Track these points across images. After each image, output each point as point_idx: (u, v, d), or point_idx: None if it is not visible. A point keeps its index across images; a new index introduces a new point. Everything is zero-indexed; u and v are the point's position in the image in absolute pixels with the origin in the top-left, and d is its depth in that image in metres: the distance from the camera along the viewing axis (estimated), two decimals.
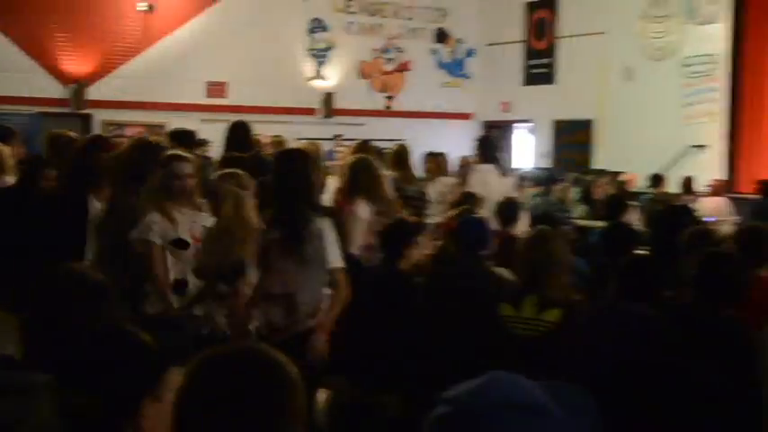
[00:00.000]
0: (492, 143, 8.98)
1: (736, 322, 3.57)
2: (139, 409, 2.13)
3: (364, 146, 8.12)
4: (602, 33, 15.99)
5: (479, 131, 18.11)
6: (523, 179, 11.32)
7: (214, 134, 9.10)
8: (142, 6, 14.83)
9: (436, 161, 9.40)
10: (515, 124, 18.23)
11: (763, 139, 14.48)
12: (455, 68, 18.50)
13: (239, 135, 7.02)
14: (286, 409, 1.65)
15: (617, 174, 12.78)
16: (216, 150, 8.76)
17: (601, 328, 3.69)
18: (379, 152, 8.47)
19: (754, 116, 14.54)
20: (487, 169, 8.43)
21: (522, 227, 6.41)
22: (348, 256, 4.95)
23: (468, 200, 7.37)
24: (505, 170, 9.39)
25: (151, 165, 4.80)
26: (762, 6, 14.46)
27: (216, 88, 15.61)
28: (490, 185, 8.10)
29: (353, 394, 4.09)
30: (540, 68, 17.56)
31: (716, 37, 14.73)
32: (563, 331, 3.69)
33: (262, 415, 1.62)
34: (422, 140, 13.73)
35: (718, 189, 11.94)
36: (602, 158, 15.93)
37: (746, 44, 14.59)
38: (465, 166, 9.99)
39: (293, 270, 4.44)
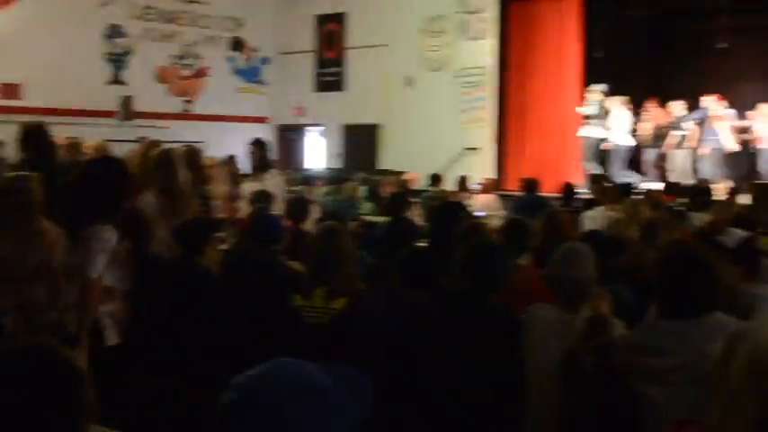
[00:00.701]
0: (265, 146, 8.96)
1: (501, 307, 3.72)
2: None
3: (153, 145, 7.84)
4: (386, 45, 16.37)
5: (275, 135, 18.07)
6: (315, 179, 11.37)
7: (8, 136, 8.51)
8: None
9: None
10: (308, 128, 18.32)
11: (526, 142, 15.29)
12: (251, 75, 18.34)
13: (34, 137, 6.58)
14: (70, 403, 1.56)
15: (401, 173, 13.10)
16: (11, 152, 8.21)
17: (382, 313, 3.76)
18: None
19: (518, 122, 15.33)
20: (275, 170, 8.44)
21: (312, 223, 6.44)
22: (146, 253, 4.76)
23: (263, 198, 7.31)
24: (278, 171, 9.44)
25: None
26: (522, 25, 15.27)
27: (10, 89, 14.64)
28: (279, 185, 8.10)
29: (151, 383, 3.96)
30: (330, 76, 17.73)
31: (485, 51, 15.40)
32: (348, 317, 3.72)
33: (43, 408, 1.53)
34: (220, 143, 13.51)
35: (489, 187, 12.46)
36: (387, 160, 16.30)
37: (510, 58, 15.37)
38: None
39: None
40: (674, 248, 3.21)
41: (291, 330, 3.99)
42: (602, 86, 14.01)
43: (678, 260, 3.00)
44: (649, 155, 14.15)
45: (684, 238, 5.05)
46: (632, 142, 13.96)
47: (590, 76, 14.91)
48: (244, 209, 7.57)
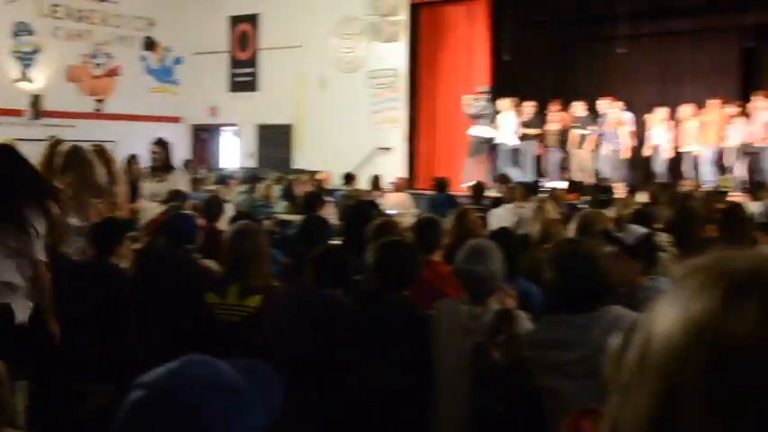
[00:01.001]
0: (168, 146, 8.82)
1: (410, 303, 3.76)
2: None
3: (58, 143, 7.60)
4: (299, 47, 16.29)
5: (189, 134, 17.79)
6: (230, 178, 11.23)
7: None
8: None
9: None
10: (222, 128, 18.09)
11: (437, 142, 15.47)
12: (164, 75, 17.98)
13: None
14: None
15: (315, 173, 13.08)
16: None
17: (296, 311, 3.75)
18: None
19: (429, 123, 15.49)
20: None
21: (226, 221, 6.36)
22: (58, 253, 4.65)
23: (177, 197, 7.19)
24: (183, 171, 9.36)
25: None
26: (433, 28, 15.43)
27: None
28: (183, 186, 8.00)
29: (65, 383, 3.86)
30: (243, 77, 17.54)
31: (397, 53, 15.51)
32: (262, 315, 3.70)
33: None
34: (131, 143, 13.20)
35: (401, 186, 12.54)
36: (301, 159, 16.23)
37: (421, 60, 15.51)
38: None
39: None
40: (562, 245, 3.31)
41: (205, 328, 3.94)
42: (488, 88, 14.34)
43: (564, 256, 3.10)
44: (554, 155, 14.49)
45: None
46: (517, 142, 14.28)
47: (498, 79, 15.18)
48: (149, 208, 7.42)
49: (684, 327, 0.81)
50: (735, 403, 0.78)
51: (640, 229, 4.00)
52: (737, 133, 12.99)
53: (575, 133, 14.19)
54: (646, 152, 14.03)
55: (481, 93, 14.36)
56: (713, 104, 13.43)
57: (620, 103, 14.24)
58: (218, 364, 1.37)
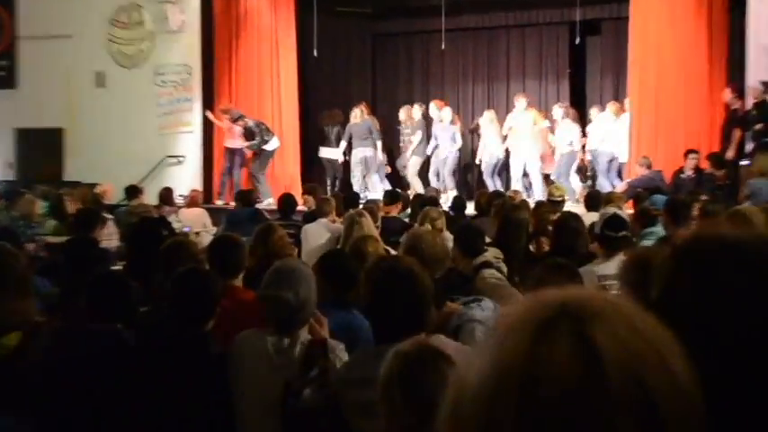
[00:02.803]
0: None
1: (205, 336, 3.69)
2: None
3: None
4: (70, 36, 15.66)
5: None
6: None
7: None
8: None
9: None
10: None
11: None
12: None
13: None
14: None
15: (92, 186, 12.61)
16: None
17: (64, 352, 3.57)
18: None
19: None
20: None
21: None
22: None
23: None
24: None
25: None
26: (230, 18, 15.30)
27: None
28: None
29: None
30: None
31: (188, 46, 15.28)
32: (21, 357, 3.49)
33: None
34: None
35: (196, 200, 12.33)
36: (74, 169, 15.58)
37: (218, 54, 15.35)
38: None
39: None
40: (379, 263, 3.35)
41: None
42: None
43: (382, 275, 3.14)
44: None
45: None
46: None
47: (307, 76, 15.30)
48: None
49: (495, 370, 0.85)
50: None
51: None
52: (567, 139, 13.76)
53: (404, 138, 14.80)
54: (478, 157, 14.67)
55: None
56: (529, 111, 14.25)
57: (446, 107, 14.81)
58: None
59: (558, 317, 0.87)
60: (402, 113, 15.16)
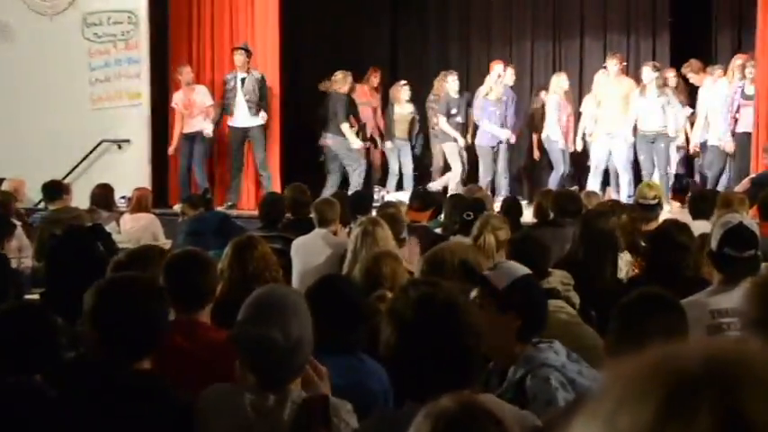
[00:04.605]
0: None
1: (162, 383, 3.76)
2: None
3: None
4: None
5: None
6: None
7: None
8: None
9: None
10: None
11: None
12: None
13: None
14: None
15: None
16: None
17: None
18: None
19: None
20: None
21: None
22: None
23: None
24: None
25: None
26: None
27: None
28: None
29: None
30: None
31: None
32: None
33: None
34: None
35: (143, 202, 12.25)
36: None
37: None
38: None
39: None
40: (406, 292, 3.32)
41: None
42: None
43: (413, 309, 3.14)
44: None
45: None
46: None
47: (288, 38, 15.29)
48: None
49: None
50: None
51: (520, 268, 4.11)
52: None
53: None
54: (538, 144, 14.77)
55: None
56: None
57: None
58: None
59: (698, 382, 0.85)
60: (438, 84, 15.25)
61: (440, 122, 14.99)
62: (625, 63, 14.56)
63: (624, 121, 13.85)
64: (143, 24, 15.30)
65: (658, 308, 3.95)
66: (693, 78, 14.04)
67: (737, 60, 13.74)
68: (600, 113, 14.19)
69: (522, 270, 4.04)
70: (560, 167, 14.54)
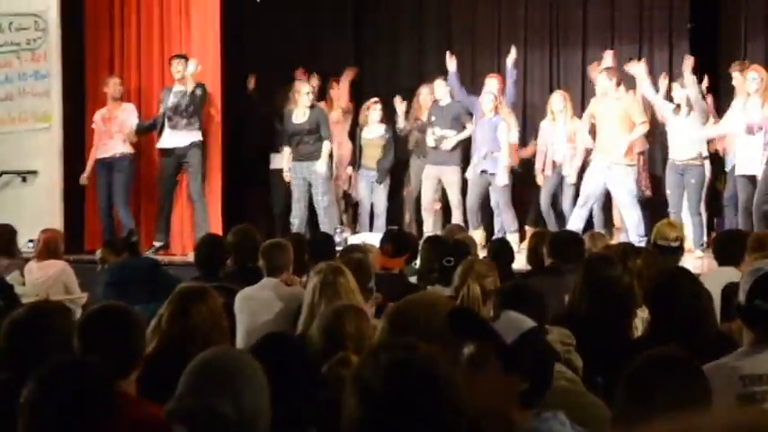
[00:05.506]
0: None
1: None
2: None
3: None
4: None
5: None
6: None
7: None
8: None
9: None
10: None
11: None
12: None
13: None
14: None
15: None
16: None
17: None
18: None
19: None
20: None
21: None
22: None
23: None
24: None
25: None
26: None
27: None
28: None
29: None
30: None
31: None
32: None
33: None
34: None
35: (52, 246, 12.20)
36: None
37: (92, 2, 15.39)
38: None
39: None
40: (376, 356, 3.31)
41: None
42: None
43: (384, 379, 3.13)
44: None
45: None
46: None
47: (240, 32, 15.35)
48: None
49: None
50: None
51: (526, 320, 4.11)
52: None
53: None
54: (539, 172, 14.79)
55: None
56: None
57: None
58: None
59: None
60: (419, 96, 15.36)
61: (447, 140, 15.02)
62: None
63: (624, 147, 13.80)
64: (53, 30, 15.27)
65: (672, 373, 3.94)
66: (737, 80, 13.84)
67: None
68: (596, 139, 14.23)
69: (529, 322, 4.02)
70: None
